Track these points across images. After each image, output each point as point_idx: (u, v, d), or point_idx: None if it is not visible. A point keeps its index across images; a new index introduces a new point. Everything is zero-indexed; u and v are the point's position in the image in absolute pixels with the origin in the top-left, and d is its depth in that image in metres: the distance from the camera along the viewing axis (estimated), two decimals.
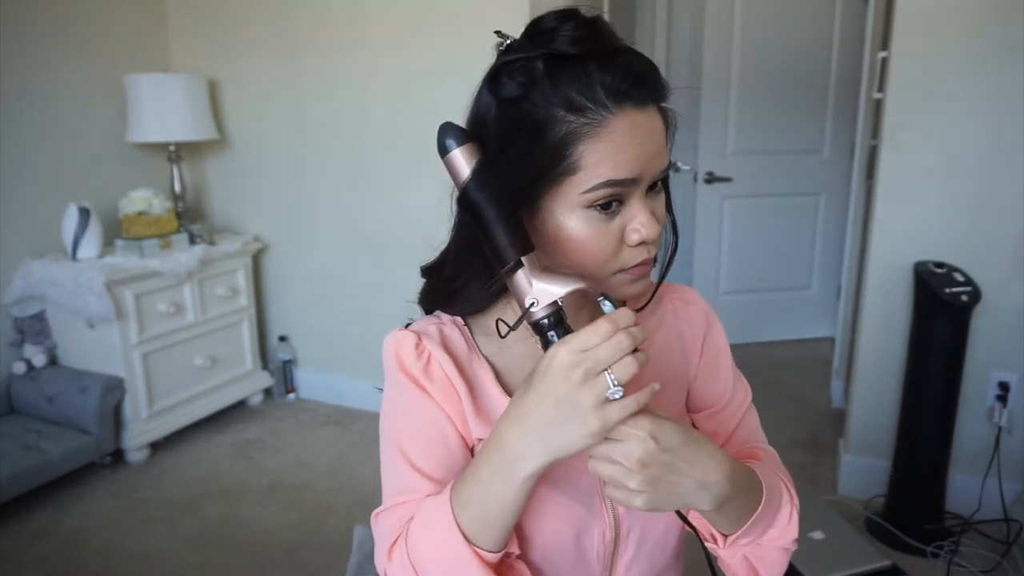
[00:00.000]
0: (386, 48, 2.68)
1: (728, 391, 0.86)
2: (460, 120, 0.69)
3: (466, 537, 0.64)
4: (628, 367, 0.58)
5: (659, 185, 0.70)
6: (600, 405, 0.58)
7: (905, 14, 2.00)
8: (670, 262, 0.77)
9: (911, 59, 2.01)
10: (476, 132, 0.68)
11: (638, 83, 0.64)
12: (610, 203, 0.66)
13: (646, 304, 0.81)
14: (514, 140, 0.64)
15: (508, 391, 0.73)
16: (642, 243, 0.68)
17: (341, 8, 2.72)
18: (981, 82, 1.96)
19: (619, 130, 0.64)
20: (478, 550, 0.64)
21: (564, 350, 0.58)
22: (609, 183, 0.64)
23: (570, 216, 0.66)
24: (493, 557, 0.65)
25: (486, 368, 0.74)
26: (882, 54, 2.43)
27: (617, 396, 0.58)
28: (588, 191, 0.64)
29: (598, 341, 0.58)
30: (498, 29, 0.69)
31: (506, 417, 0.63)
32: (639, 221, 0.67)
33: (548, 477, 0.71)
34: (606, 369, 0.57)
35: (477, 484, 0.64)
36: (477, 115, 0.69)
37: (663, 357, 0.82)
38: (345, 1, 2.70)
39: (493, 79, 0.67)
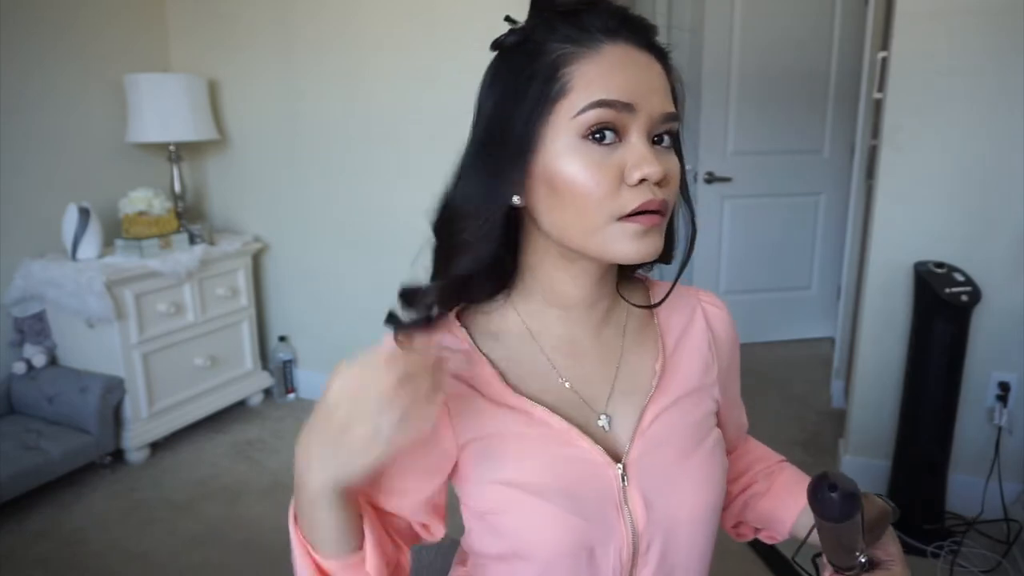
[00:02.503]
0: (386, 48, 2.68)
1: (739, 409, 0.91)
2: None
3: (297, 522, 0.67)
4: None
5: (668, 141, 0.66)
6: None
7: (905, 14, 2.00)
8: (689, 252, 0.74)
9: (911, 59, 2.01)
10: (481, 103, 0.69)
11: (632, 24, 0.65)
12: (603, 132, 0.62)
13: (663, 301, 0.78)
14: (511, 75, 0.65)
15: (511, 387, 0.72)
16: (643, 181, 0.62)
17: (341, 8, 2.71)
18: (981, 82, 1.96)
19: (612, 55, 0.63)
20: (305, 543, 0.66)
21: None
22: (600, 103, 0.61)
23: (565, 151, 0.62)
24: (323, 560, 0.66)
25: (486, 364, 0.72)
26: (882, 54, 2.43)
27: None
28: (579, 113, 0.62)
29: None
30: (508, 15, 0.70)
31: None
32: (639, 155, 0.62)
33: (545, 492, 0.69)
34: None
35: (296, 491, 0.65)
36: (482, 89, 0.69)
37: (695, 360, 0.80)
38: (345, 1, 2.71)
39: (496, 43, 0.68)
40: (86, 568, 2.03)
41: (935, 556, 2.00)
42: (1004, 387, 2.09)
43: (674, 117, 0.65)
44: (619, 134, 0.63)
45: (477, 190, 0.67)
